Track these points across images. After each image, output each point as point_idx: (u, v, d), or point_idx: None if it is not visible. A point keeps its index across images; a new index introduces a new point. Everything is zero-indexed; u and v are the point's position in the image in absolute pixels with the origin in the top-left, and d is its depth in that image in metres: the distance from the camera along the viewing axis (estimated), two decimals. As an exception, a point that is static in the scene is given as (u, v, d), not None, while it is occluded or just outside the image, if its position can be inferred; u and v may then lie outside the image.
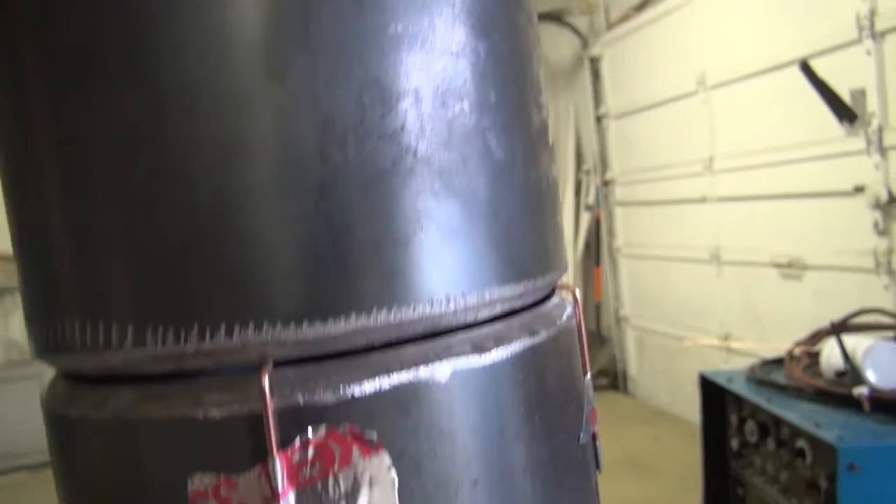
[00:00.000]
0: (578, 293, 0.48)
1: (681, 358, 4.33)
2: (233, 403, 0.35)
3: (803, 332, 2.25)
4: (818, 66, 3.02)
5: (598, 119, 5.15)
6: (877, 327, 2.18)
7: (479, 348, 0.38)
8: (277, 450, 0.34)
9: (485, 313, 0.39)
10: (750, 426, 2.13)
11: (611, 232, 5.12)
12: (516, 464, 0.38)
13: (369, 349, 0.36)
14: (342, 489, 0.35)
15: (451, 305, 0.36)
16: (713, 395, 2.30)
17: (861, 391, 1.90)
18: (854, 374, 1.92)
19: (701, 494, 2.29)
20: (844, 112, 3.13)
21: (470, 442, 0.37)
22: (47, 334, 0.38)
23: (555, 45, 5.20)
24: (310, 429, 0.34)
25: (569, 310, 0.46)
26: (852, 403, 1.87)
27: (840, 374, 2.02)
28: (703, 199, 4.03)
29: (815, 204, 3.35)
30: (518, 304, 0.41)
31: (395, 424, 0.35)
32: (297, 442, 0.34)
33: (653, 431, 4.10)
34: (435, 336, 0.38)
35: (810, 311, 3.21)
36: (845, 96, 3.07)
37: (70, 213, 0.35)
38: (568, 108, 5.31)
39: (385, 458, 0.35)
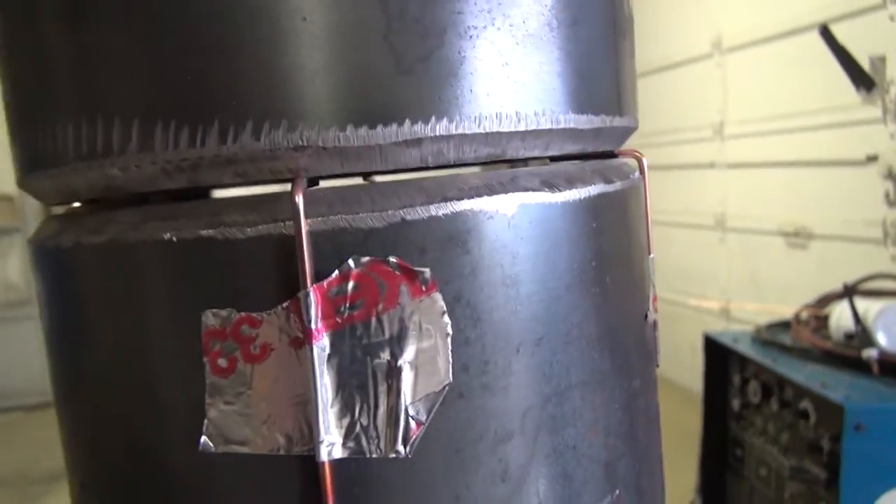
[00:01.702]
0: (645, 161, 0.42)
1: (679, 324, 4.31)
2: (258, 224, 0.28)
3: (804, 302, 2.22)
4: (838, 31, 2.94)
5: (607, 82, 5.05)
6: (888, 293, 2.15)
7: (550, 185, 0.32)
8: (312, 282, 0.28)
9: (555, 148, 0.33)
10: (753, 387, 2.11)
11: (613, 198, 5.07)
12: (585, 327, 0.33)
13: (424, 170, 0.30)
14: (386, 333, 0.29)
15: (522, 125, 0.30)
16: (716, 355, 2.27)
17: (870, 353, 1.87)
18: (864, 337, 1.89)
19: (698, 455, 2.28)
20: (862, 79, 3.06)
21: (536, 293, 0.31)
22: (35, 146, 0.31)
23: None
24: (351, 259, 0.28)
25: (636, 173, 0.40)
26: (860, 366, 1.85)
27: (849, 337, 1.99)
28: (711, 165, 3.96)
29: (826, 172, 3.30)
30: (590, 146, 0.35)
31: (452, 262, 0.29)
32: (336, 273, 0.28)
33: (647, 397, 4.11)
34: (498, 164, 0.32)
35: (814, 280, 3.17)
36: (864, 63, 3.00)
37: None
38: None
39: (438, 301, 0.29)
